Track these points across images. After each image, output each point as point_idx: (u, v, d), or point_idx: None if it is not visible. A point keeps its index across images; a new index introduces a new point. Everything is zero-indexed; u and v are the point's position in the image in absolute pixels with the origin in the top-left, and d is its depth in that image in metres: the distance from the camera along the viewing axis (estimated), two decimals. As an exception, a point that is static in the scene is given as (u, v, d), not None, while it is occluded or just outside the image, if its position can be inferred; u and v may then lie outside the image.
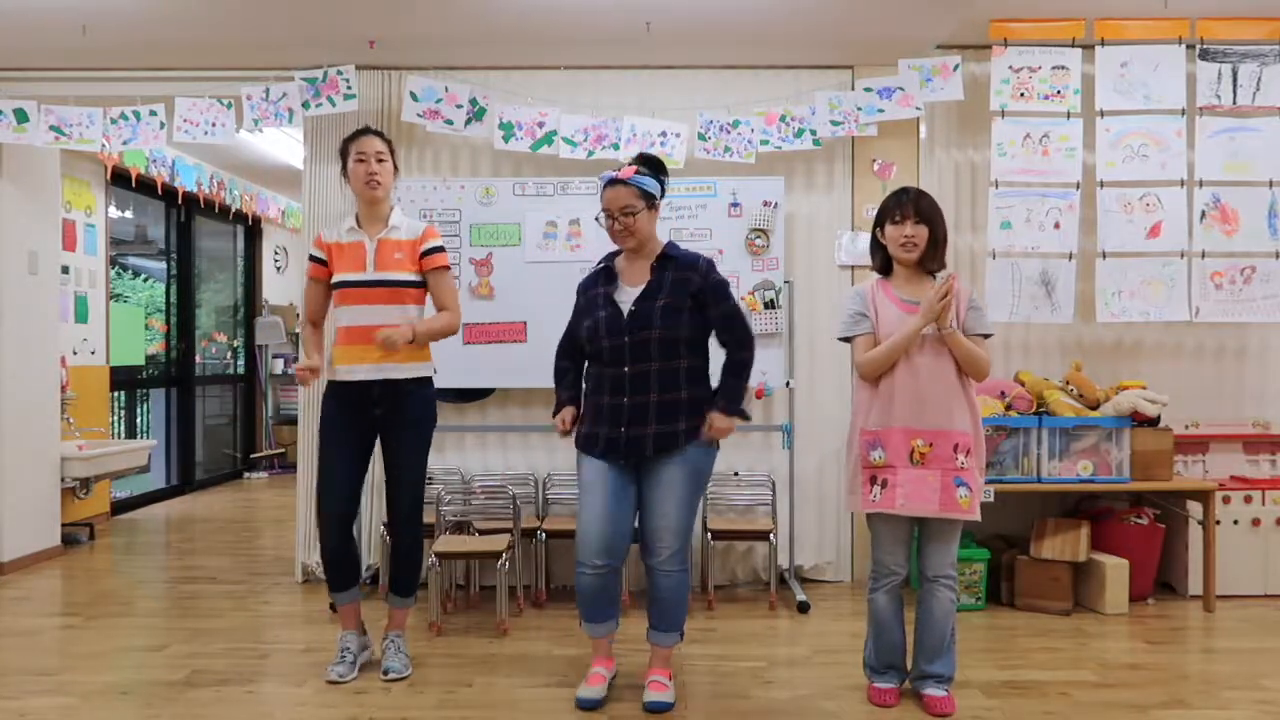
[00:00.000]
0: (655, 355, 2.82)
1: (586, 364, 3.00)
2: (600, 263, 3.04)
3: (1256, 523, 4.05)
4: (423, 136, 4.36)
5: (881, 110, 4.14)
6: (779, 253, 4.18)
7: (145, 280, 7.25)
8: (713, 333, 2.92)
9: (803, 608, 3.91)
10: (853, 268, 4.33)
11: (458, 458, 4.36)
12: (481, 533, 3.94)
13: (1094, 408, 3.96)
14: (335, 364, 3.13)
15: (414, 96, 4.18)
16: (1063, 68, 4.00)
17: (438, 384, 3.26)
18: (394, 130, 4.25)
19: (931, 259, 2.83)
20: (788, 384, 4.24)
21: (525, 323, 4.19)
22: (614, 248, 2.99)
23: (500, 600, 3.65)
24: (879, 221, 2.87)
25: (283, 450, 8.22)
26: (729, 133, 4.20)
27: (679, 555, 2.85)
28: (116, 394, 6.36)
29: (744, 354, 2.89)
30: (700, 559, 4.04)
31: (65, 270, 5.36)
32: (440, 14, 3.77)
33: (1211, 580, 3.89)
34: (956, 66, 4.06)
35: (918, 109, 4.12)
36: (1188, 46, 3.99)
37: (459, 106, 4.19)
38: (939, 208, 2.85)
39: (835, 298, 4.25)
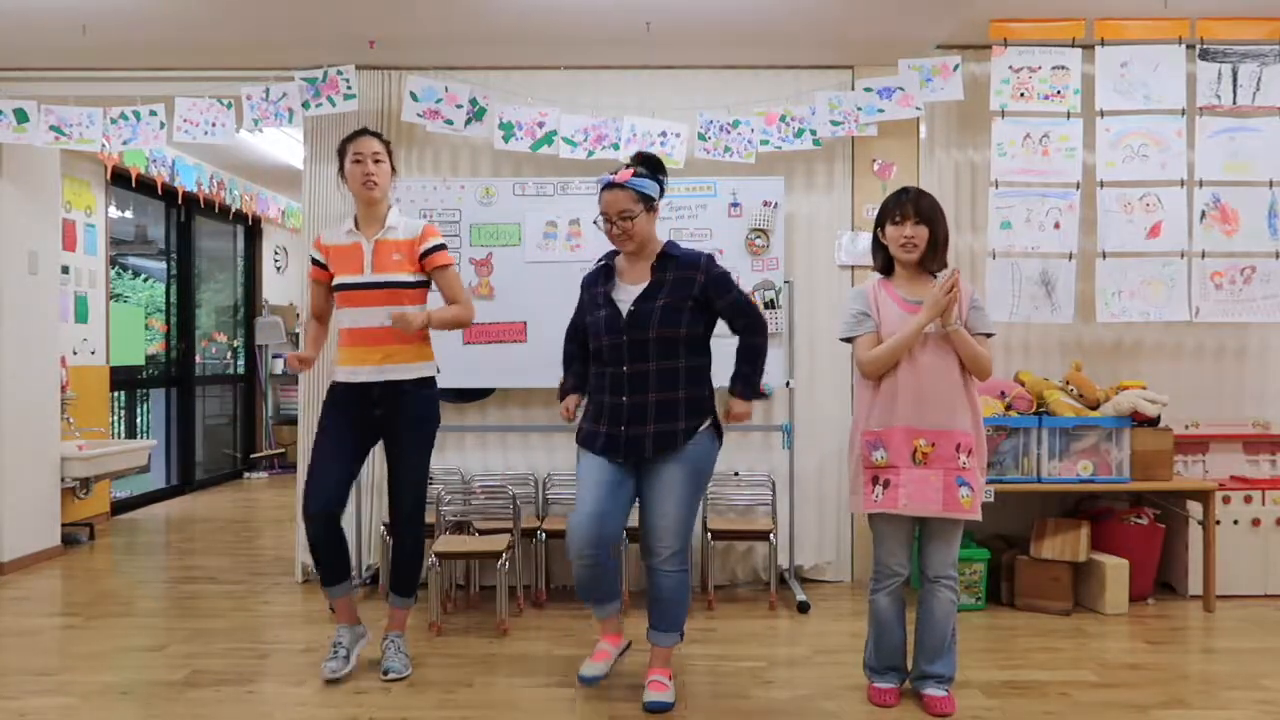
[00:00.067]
0: (653, 355, 2.83)
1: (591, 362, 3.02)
2: (601, 260, 3.05)
3: (1256, 523, 4.05)
4: (423, 136, 4.36)
5: (881, 110, 4.14)
6: (779, 253, 4.17)
7: (145, 280, 7.25)
8: (723, 325, 2.93)
9: (803, 608, 3.91)
10: (853, 268, 4.33)
11: (458, 458, 4.35)
12: (481, 533, 3.94)
13: (1094, 408, 3.96)
14: (338, 365, 3.13)
15: (414, 96, 4.18)
16: (1063, 68, 3.99)
17: (438, 384, 3.25)
18: (394, 130, 4.26)
19: (932, 259, 2.83)
20: (788, 384, 4.24)
21: (525, 323, 4.19)
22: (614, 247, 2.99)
23: (500, 600, 3.65)
24: (879, 222, 2.87)
25: (283, 450, 8.22)
26: (729, 133, 4.20)
27: (679, 555, 2.85)
28: (116, 394, 6.36)
29: (757, 339, 2.91)
30: (700, 559, 4.04)
31: (65, 270, 5.36)
32: (440, 14, 3.77)
33: (1211, 580, 3.89)
34: (956, 66, 4.06)
35: (918, 109, 4.12)
36: (1188, 46, 3.98)
37: (459, 106, 4.19)
38: (940, 208, 2.84)
39: (835, 298, 4.25)
